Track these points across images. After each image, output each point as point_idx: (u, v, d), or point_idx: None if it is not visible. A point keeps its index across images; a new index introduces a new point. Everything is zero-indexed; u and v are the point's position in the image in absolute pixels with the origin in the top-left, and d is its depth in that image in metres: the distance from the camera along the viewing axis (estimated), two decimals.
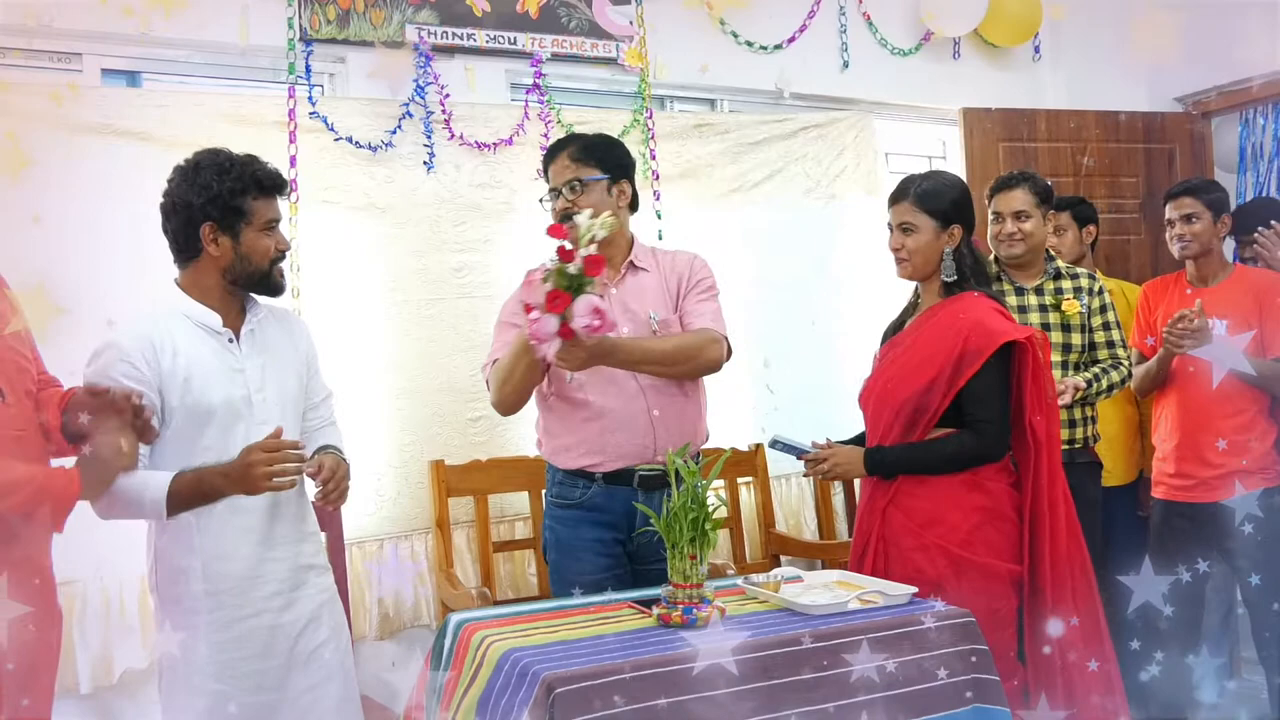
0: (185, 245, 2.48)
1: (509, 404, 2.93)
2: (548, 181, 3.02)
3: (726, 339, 3.00)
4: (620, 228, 2.95)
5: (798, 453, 2.91)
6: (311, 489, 2.57)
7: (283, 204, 2.56)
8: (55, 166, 3.31)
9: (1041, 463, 2.74)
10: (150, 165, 3.40)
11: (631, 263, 3.00)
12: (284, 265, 2.55)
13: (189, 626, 2.37)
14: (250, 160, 2.49)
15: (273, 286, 2.52)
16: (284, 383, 2.56)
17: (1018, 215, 3.58)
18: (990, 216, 3.67)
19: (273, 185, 2.49)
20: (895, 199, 2.92)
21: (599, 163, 2.97)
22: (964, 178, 4.71)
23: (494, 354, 2.97)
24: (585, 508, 2.95)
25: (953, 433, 2.75)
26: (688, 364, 2.92)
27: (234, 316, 2.50)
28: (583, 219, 2.43)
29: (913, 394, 2.76)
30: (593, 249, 2.39)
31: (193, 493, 2.32)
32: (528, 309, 2.49)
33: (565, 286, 2.40)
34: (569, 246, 2.39)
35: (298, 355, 2.64)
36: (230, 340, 2.48)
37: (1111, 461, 4.01)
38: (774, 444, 2.94)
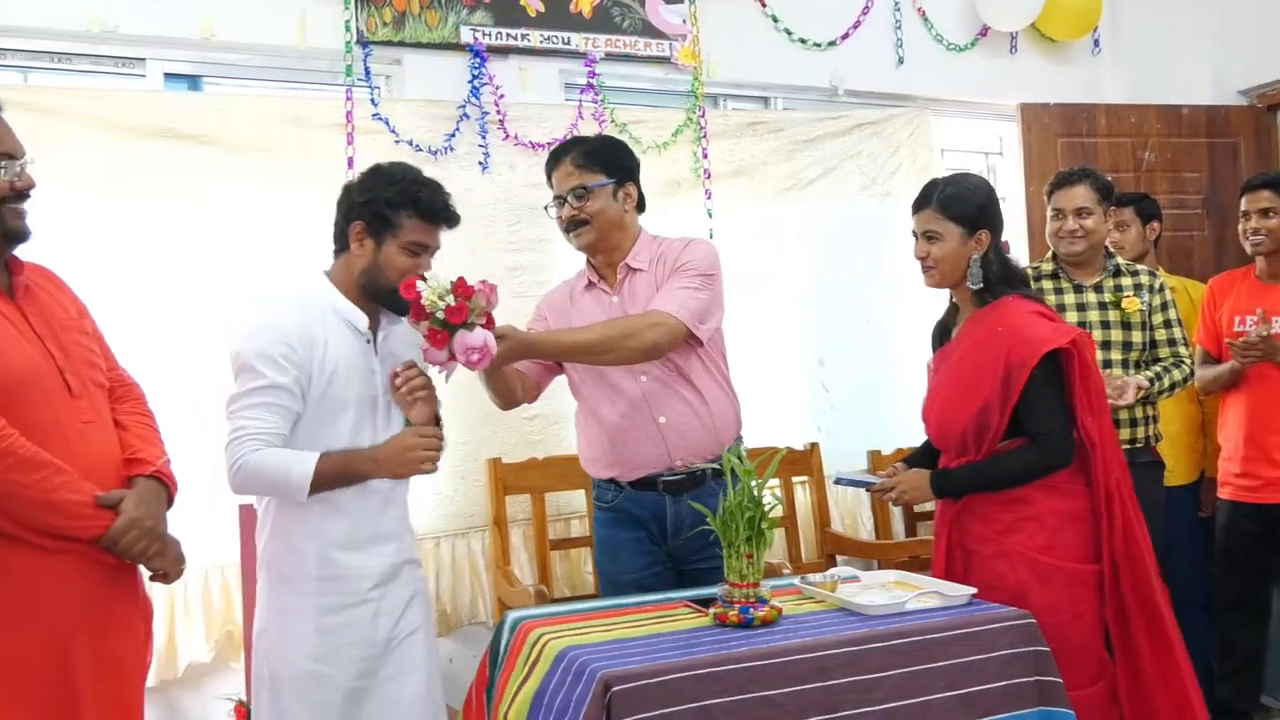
0: (339, 237, 2.54)
1: (499, 405, 2.97)
2: (551, 188, 2.96)
3: (689, 323, 2.79)
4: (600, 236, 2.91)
5: (863, 486, 2.92)
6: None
7: (443, 236, 2.56)
8: (119, 170, 3.37)
9: (1097, 462, 2.70)
10: (211, 168, 3.48)
11: (628, 265, 2.95)
12: None
13: (296, 609, 2.42)
14: (424, 182, 2.51)
15: (396, 305, 2.51)
16: None
17: (1079, 212, 3.52)
18: (1050, 213, 3.61)
19: (431, 211, 2.49)
20: (918, 206, 2.84)
21: (603, 167, 2.91)
22: (1021, 175, 4.69)
23: None
24: (618, 510, 2.97)
25: (1020, 443, 2.71)
26: (618, 351, 2.74)
27: (374, 319, 2.55)
28: (425, 288, 2.35)
29: (969, 419, 2.71)
30: (441, 307, 2.35)
31: (338, 474, 2.38)
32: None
33: (442, 327, 2.38)
34: (430, 308, 2.35)
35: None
36: (368, 341, 2.52)
37: (1173, 461, 3.94)
38: (838, 482, 2.98)
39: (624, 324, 2.79)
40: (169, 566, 2.28)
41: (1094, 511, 2.71)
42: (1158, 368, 3.52)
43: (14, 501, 2.03)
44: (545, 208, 2.99)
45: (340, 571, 2.45)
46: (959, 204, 2.78)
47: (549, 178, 2.97)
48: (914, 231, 2.86)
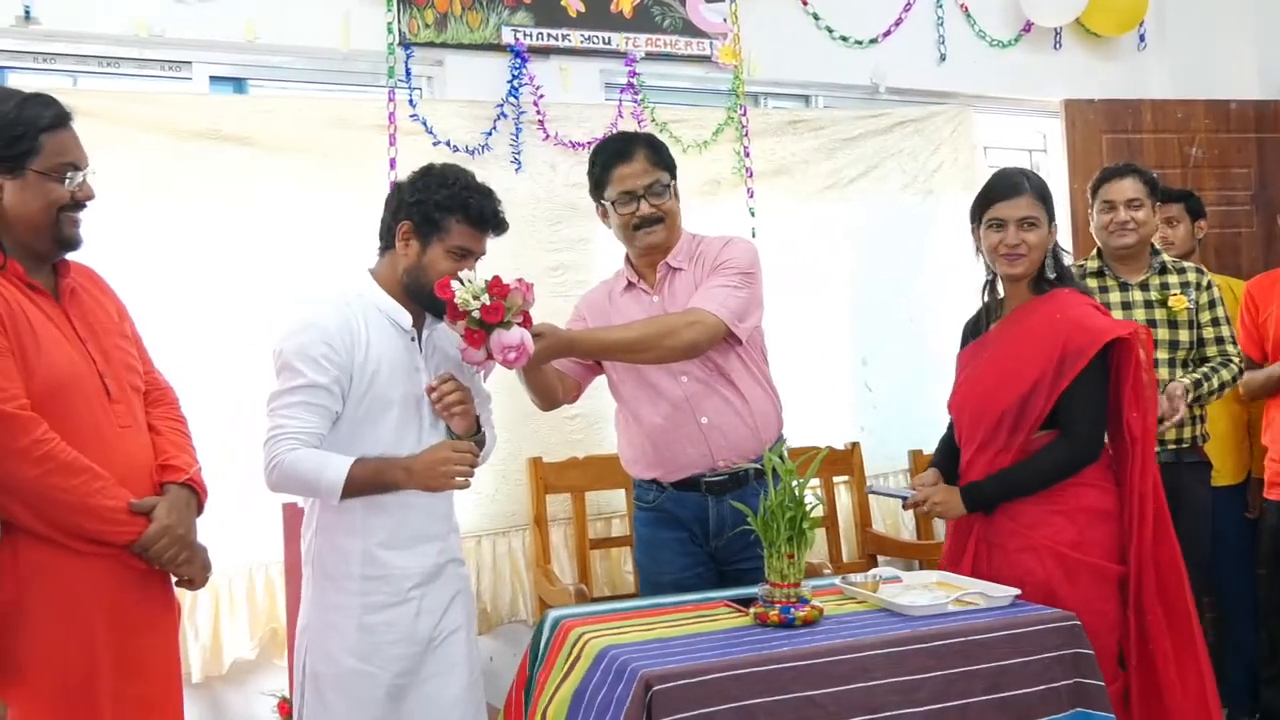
0: (385, 235, 2.55)
1: (539, 405, 2.97)
2: (606, 184, 2.89)
3: (729, 321, 2.78)
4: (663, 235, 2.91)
5: (897, 498, 2.91)
6: None
7: (490, 243, 2.57)
8: (165, 172, 3.42)
9: (1136, 459, 2.67)
10: (256, 169, 3.52)
11: (668, 264, 2.94)
12: None
13: (341, 607, 2.44)
14: (474, 187, 2.51)
15: (435, 308, 2.51)
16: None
17: (1130, 203, 3.48)
18: (1099, 206, 3.55)
19: (480, 218, 2.50)
20: (1010, 192, 2.76)
21: (667, 165, 2.92)
22: (1066, 172, 4.65)
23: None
24: (660, 510, 2.96)
25: (1048, 438, 2.69)
26: (657, 349, 2.74)
27: (419, 318, 2.56)
28: (460, 288, 2.34)
29: (1014, 401, 2.68)
30: (476, 306, 2.35)
31: (370, 482, 2.38)
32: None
33: (478, 327, 2.38)
34: (464, 306, 2.35)
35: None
36: (413, 339, 2.54)
37: (1220, 461, 3.89)
38: (871, 492, 2.94)
39: (663, 322, 2.78)
40: (195, 574, 2.30)
41: (1122, 509, 2.69)
42: (1205, 369, 3.46)
43: (52, 505, 2.06)
44: (609, 203, 2.89)
45: (383, 570, 2.47)
46: (1048, 193, 2.80)
47: (607, 173, 2.89)
48: (994, 220, 2.78)
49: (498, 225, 2.55)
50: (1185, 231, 4.02)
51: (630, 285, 2.98)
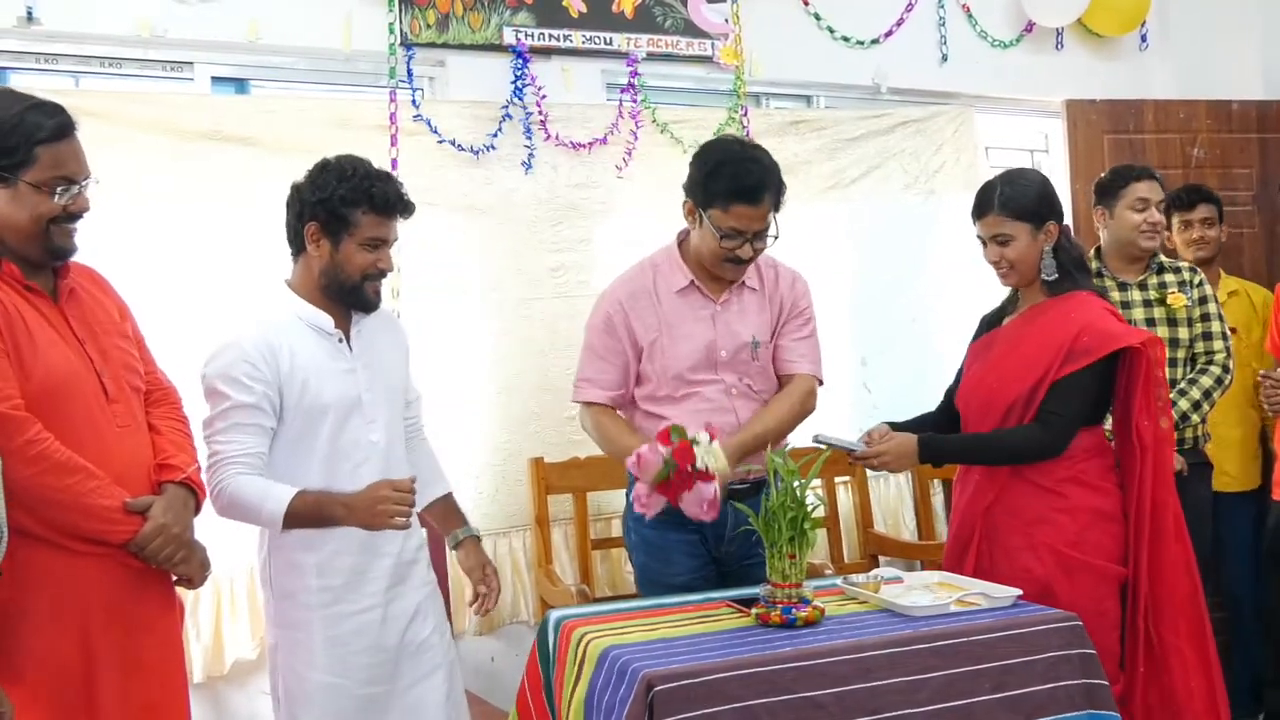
0: (294, 239, 2.55)
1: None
2: (718, 208, 2.75)
3: (821, 374, 3.02)
4: None
5: (844, 449, 2.78)
6: (452, 483, 2.72)
7: (400, 227, 2.57)
8: (166, 172, 3.41)
9: (1147, 467, 2.68)
10: (257, 169, 3.51)
11: (743, 281, 2.93)
12: (379, 284, 2.56)
13: (302, 622, 2.44)
14: (374, 175, 2.50)
15: (361, 302, 2.53)
16: (389, 383, 2.62)
17: (1159, 205, 3.50)
18: (1132, 204, 3.50)
19: (386, 205, 2.48)
20: (980, 211, 2.81)
21: (778, 208, 2.83)
22: (1067, 172, 4.63)
23: (587, 374, 2.93)
24: (669, 511, 2.92)
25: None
26: (795, 427, 2.96)
27: (341, 318, 2.55)
28: (703, 451, 2.33)
29: (1020, 395, 2.70)
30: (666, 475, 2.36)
31: (311, 515, 2.38)
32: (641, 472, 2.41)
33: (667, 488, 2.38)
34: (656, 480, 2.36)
35: (399, 355, 2.70)
36: (340, 341, 2.53)
37: (1232, 467, 3.91)
38: (816, 440, 2.77)
39: (794, 406, 2.91)
40: (193, 573, 2.30)
41: (1125, 513, 2.70)
42: (1184, 402, 3.44)
43: (46, 505, 2.06)
44: (710, 222, 2.78)
45: (342, 579, 2.46)
46: (1021, 201, 2.76)
47: (728, 204, 2.74)
48: (980, 237, 2.83)
49: (404, 209, 2.53)
50: (1219, 233, 4.03)
51: (688, 287, 2.91)
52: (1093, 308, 2.73)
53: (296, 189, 2.53)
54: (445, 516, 2.79)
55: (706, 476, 2.33)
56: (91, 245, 2.31)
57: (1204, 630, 2.71)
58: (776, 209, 2.82)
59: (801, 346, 2.98)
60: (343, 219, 2.46)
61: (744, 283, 2.93)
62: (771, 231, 2.83)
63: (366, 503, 2.37)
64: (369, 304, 2.55)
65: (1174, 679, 2.63)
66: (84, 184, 2.20)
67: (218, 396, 2.41)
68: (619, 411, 2.96)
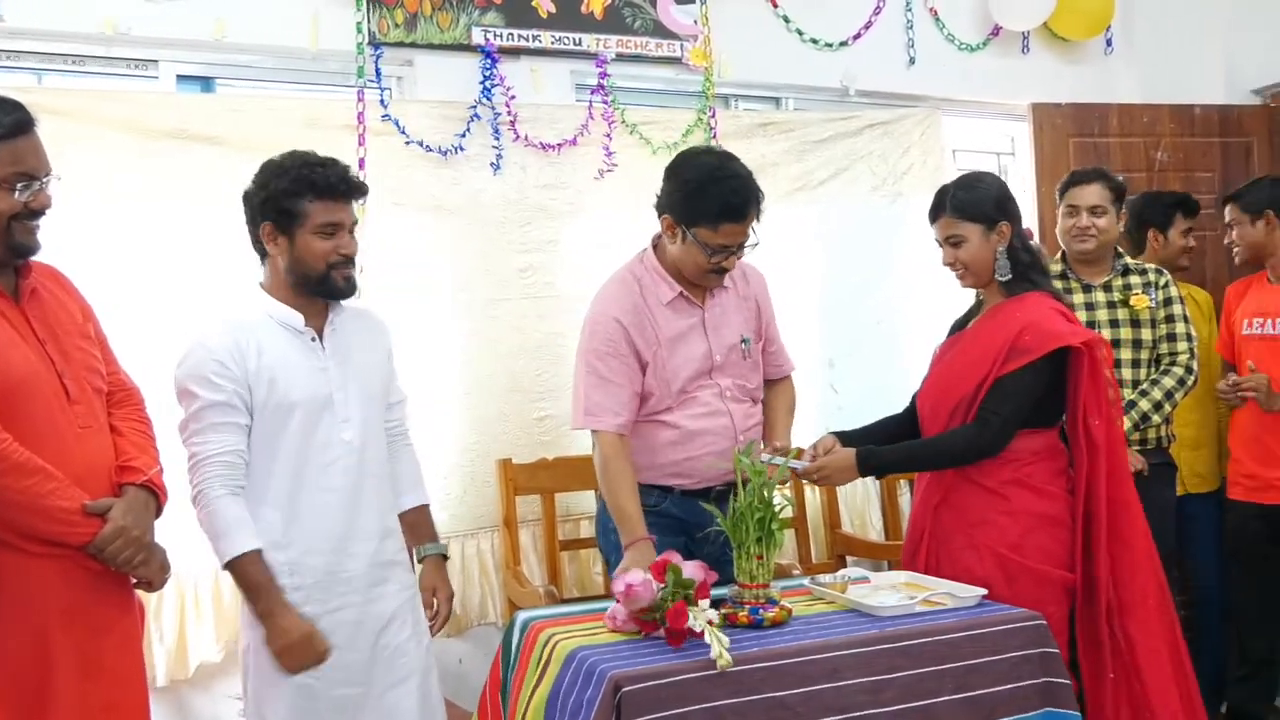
0: (255, 244, 2.55)
1: None
2: (705, 227, 2.76)
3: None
4: None
5: (786, 466, 2.73)
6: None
7: (356, 208, 2.57)
8: (131, 171, 3.38)
9: (1099, 466, 2.70)
10: (224, 169, 3.48)
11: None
12: (350, 270, 2.54)
13: None
14: (313, 162, 2.49)
15: (331, 290, 2.52)
16: (366, 382, 2.60)
17: (1093, 210, 3.54)
18: (1063, 210, 3.63)
19: (329, 188, 2.47)
20: (934, 214, 2.87)
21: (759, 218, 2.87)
22: (1033, 175, 4.68)
23: (595, 399, 2.84)
24: (660, 514, 2.91)
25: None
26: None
27: (316, 316, 2.55)
28: (696, 614, 2.24)
29: (965, 396, 2.74)
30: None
31: (251, 590, 2.39)
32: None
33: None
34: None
35: (379, 355, 2.69)
36: (313, 339, 2.52)
37: (1193, 468, 3.95)
38: (764, 462, 2.68)
39: (790, 401, 3.14)
40: (153, 575, 2.28)
41: (1072, 516, 2.71)
42: (1139, 392, 3.49)
43: (4, 506, 2.05)
44: (710, 251, 2.78)
45: (315, 577, 2.45)
46: (973, 203, 2.80)
47: (716, 224, 2.75)
48: (937, 240, 2.88)
49: (351, 189, 2.52)
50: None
51: (676, 298, 2.91)
52: (1040, 307, 2.75)
53: (246, 195, 2.54)
54: (415, 528, 2.75)
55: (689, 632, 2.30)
56: (55, 245, 2.29)
57: (1174, 628, 2.74)
58: (759, 218, 2.84)
59: (779, 350, 3.13)
60: (290, 212, 2.46)
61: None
62: (752, 240, 2.85)
63: (301, 643, 2.38)
64: (340, 291, 2.53)
65: (1147, 680, 2.65)
66: (45, 180, 2.18)
67: (189, 397, 2.40)
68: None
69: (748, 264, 3.05)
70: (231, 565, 2.37)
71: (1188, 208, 4.12)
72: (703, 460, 2.86)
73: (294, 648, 2.37)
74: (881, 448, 2.80)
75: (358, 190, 2.54)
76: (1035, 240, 2.91)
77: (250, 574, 2.38)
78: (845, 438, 2.88)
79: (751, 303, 3.02)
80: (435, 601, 2.71)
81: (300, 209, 2.45)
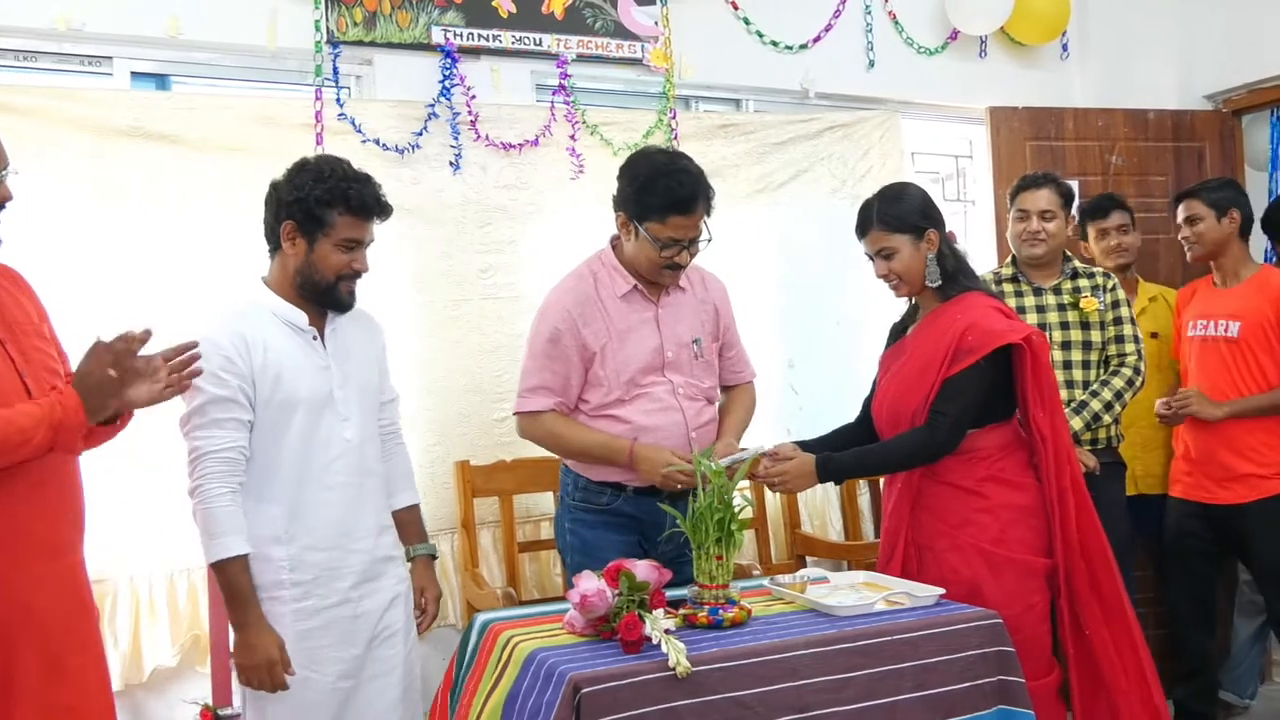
0: (270, 237, 2.55)
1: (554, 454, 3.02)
2: (654, 221, 2.81)
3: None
4: None
5: (749, 477, 2.79)
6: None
7: (377, 229, 2.58)
8: (85, 170, 3.34)
9: (1049, 457, 2.76)
10: (179, 167, 3.45)
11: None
12: (354, 285, 2.56)
13: (274, 615, 2.42)
14: (351, 177, 2.50)
15: (336, 302, 2.54)
16: (364, 380, 2.62)
17: (1043, 214, 3.59)
18: (1014, 215, 3.68)
19: (362, 207, 2.49)
20: (862, 229, 2.90)
21: (709, 213, 2.90)
22: (990, 178, 4.72)
23: (533, 383, 2.91)
24: (612, 513, 2.95)
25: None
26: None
27: (316, 315, 2.55)
28: (652, 623, 2.23)
29: (919, 402, 2.78)
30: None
31: (232, 596, 2.38)
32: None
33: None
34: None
35: (374, 354, 2.71)
36: (315, 338, 2.53)
37: (1141, 469, 4.00)
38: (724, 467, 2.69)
39: (750, 412, 3.18)
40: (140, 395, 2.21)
41: (1045, 505, 2.76)
42: (1090, 393, 3.55)
43: None
44: (659, 244, 2.82)
45: (314, 573, 2.46)
46: (900, 215, 2.84)
47: (663, 217, 2.80)
48: (867, 254, 2.92)
49: (381, 211, 2.54)
50: (1133, 239, 4.12)
51: (630, 291, 2.94)
52: (979, 306, 2.80)
53: (275, 187, 2.53)
54: (406, 527, 2.77)
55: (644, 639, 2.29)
56: (9, 244, 2.25)
57: (1123, 610, 2.78)
58: (708, 214, 2.88)
59: (741, 354, 3.18)
60: (318, 219, 2.46)
61: (678, 284, 3.00)
62: (704, 236, 2.88)
63: (254, 666, 2.35)
64: (343, 304, 2.56)
65: (1099, 659, 2.72)
66: (3, 174, 2.16)
67: (193, 391, 2.38)
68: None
69: (709, 272, 3.10)
70: (218, 567, 2.37)
71: (1093, 213, 4.16)
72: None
73: (257, 669, 2.37)
74: (839, 454, 2.83)
75: (385, 212, 2.57)
76: (959, 243, 2.95)
77: (234, 580, 2.37)
78: (804, 446, 2.90)
79: (710, 307, 3.06)
80: (424, 600, 2.74)
81: (329, 219, 2.47)
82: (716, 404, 3.08)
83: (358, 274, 2.55)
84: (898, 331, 3.05)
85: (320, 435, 2.48)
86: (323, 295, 2.51)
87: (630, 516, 2.93)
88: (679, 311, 2.99)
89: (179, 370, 2.24)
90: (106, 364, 2.13)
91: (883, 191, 2.95)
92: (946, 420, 2.72)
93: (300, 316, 2.51)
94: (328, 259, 2.48)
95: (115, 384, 2.15)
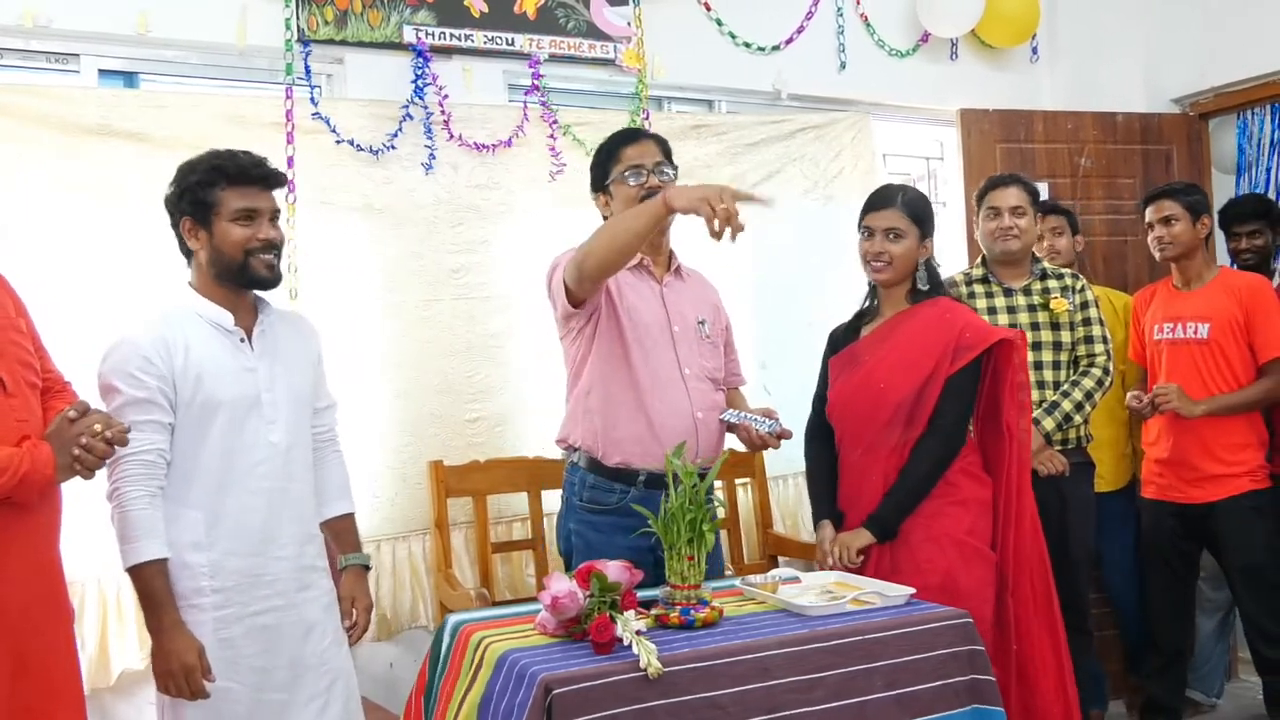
0: (180, 245, 2.52)
1: (608, 267, 2.76)
2: (614, 163, 2.99)
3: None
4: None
5: (761, 431, 2.89)
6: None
7: (277, 195, 2.56)
8: (52, 167, 3.31)
9: (1013, 457, 2.85)
10: (147, 166, 3.42)
11: (679, 266, 3.11)
12: (272, 258, 2.51)
13: (194, 623, 2.38)
14: (224, 154, 2.48)
15: (252, 278, 2.48)
16: (294, 384, 2.57)
17: (1014, 210, 3.62)
18: (985, 213, 3.70)
19: (240, 174, 2.46)
20: (880, 204, 2.96)
21: (671, 163, 3.05)
22: (961, 179, 4.74)
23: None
24: (621, 513, 2.88)
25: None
26: None
27: (245, 316, 2.52)
28: (623, 625, 2.23)
29: (908, 394, 2.83)
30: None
31: (148, 600, 2.35)
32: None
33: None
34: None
35: (308, 358, 2.67)
36: (242, 340, 2.50)
37: (1108, 468, 4.04)
38: (722, 419, 2.96)
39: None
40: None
41: (995, 501, 2.86)
42: (1061, 393, 3.58)
43: None
44: (622, 171, 2.97)
45: (235, 580, 2.42)
46: (921, 208, 2.95)
47: (615, 153, 3.00)
48: (867, 228, 2.96)
49: (264, 175, 2.50)
50: (1067, 243, 4.18)
51: (638, 265, 3.01)
52: (963, 309, 2.95)
53: (166, 199, 2.52)
54: (339, 536, 2.72)
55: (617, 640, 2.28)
56: None
57: (1053, 611, 2.86)
58: (666, 156, 3.02)
59: (736, 361, 3.27)
60: (205, 203, 2.44)
61: (677, 270, 3.08)
62: (668, 170, 2.99)
63: (181, 673, 2.30)
64: (262, 279, 2.50)
65: (1032, 657, 2.80)
66: None
67: (112, 393, 2.36)
68: None
69: (706, 280, 3.22)
70: (134, 571, 2.34)
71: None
72: (665, 433, 2.85)
73: (174, 675, 2.31)
74: (880, 513, 2.85)
75: (273, 177, 2.53)
76: (940, 261, 3.09)
77: (151, 584, 2.34)
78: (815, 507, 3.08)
79: (712, 304, 3.15)
80: (354, 611, 2.69)
81: (214, 198, 2.44)
82: (721, 393, 3.10)
83: (270, 245, 2.48)
84: (842, 337, 3.11)
85: (244, 438, 2.43)
86: (238, 276, 2.47)
87: (641, 518, 2.90)
88: (682, 294, 3.06)
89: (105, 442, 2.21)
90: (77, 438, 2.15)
91: (905, 185, 3.08)
92: (949, 420, 2.82)
93: (225, 317, 2.48)
94: (228, 236, 2.44)
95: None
